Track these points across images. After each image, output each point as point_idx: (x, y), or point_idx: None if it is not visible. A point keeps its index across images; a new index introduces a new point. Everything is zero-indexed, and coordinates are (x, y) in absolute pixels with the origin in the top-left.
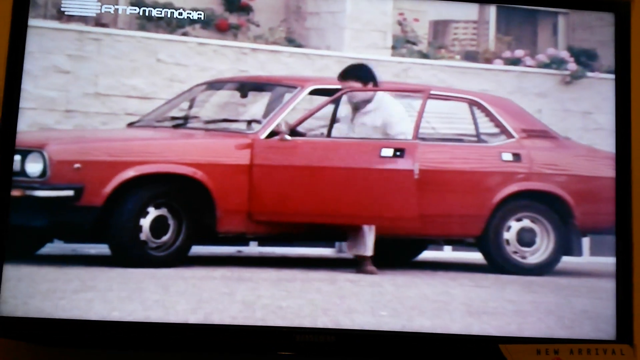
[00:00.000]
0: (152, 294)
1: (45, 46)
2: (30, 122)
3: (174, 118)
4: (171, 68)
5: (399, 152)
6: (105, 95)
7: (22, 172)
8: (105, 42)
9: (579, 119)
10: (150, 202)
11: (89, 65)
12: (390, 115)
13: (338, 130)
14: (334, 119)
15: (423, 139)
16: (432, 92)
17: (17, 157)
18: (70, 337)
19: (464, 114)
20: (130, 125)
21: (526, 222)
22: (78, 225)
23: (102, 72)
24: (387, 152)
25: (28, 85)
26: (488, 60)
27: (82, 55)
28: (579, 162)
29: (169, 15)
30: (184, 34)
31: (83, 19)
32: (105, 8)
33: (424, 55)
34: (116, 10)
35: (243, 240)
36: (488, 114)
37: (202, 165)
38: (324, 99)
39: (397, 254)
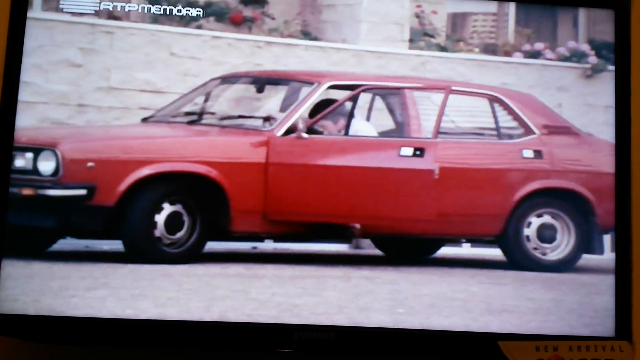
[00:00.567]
0: (165, 291)
1: (56, 39)
2: (41, 117)
3: (188, 113)
4: (185, 62)
5: (419, 151)
6: (118, 89)
7: (35, 171)
8: (118, 36)
9: (600, 114)
10: (164, 198)
11: (101, 59)
12: None
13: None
14: (351, 117)
15: (444, 133)
16: (453, 88)
17: (30, 155)
18: (80, 335)
19: (484, 109)
20: (144, 120)
21: (547, 218)
22: (89, 226)
23: (114, 66)
24: (407, 151)
25: (39, 80)
26: (507, 53)
27: (94, 49)
28: (601, 159)
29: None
30: (198, 27)
31: (95, 12)
32: (104, 5)
33: (442, 49)
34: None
35: (258, 239)
36: (509, 109)
37: (217, 164)
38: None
39: (414, 250)
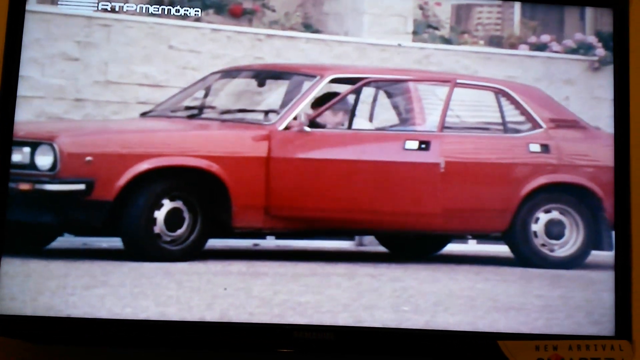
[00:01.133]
0: (165, 289)
1: (52, 33)
2: (38, 112)
3: (188, 108)
4: (184, 55)
5: (424, 144)
6: (116, 83)
7: (32, 165)
8: (115, 29)
9: (608, 107)
10: (164, 194)
11: (99, 53)
12: None
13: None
14: (354, 110)
15: (448, 128)
16: (458, 80)
17: (27, 149)
18: (79, 335)
19: (489, 103)
20: (143, 115)
21: (555, 214)
22: (88, 221)
23: (112, 60)
24: (412, 144)
25: (35, 74)
26: (513, 46)
27: (91, 42)
28: (610, 153)
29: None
30: (197, 20)
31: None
32: (102, 5)
33: (447, 41)
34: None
35: (260, 236)
36: (515, 103)
37: (218, 158)
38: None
39: (419, 248)
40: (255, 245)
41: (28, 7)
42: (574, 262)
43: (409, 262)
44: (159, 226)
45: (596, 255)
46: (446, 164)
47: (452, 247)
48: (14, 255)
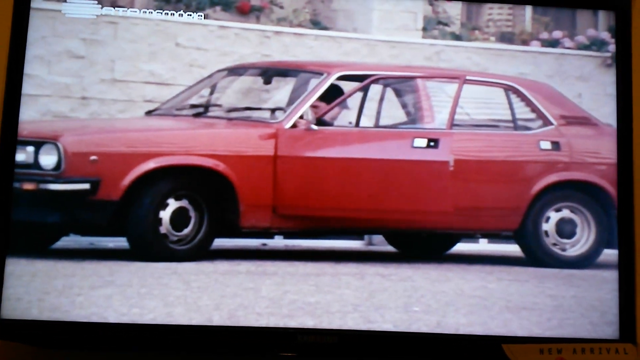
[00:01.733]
0: (173, 289)
1: (58, 30)
2: (44, 110)
3: (194, 106)
4: (191, 52)
5: (433, 142)
6: (122, 81)
7: (36, 165)
8: (122, 26)
9: None
10: (170, 194)
11: (105, 50)
12: None
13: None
14: (362, 108)
15: (457, 125)
16: (467, 77)
17: (31, 149)
18: (85, 340)
19: (499, 99)
20: (149, 113)
21: (566, 213)
22: (94, 221)
23: (118, 57)
24: (420, 142)
25: (41, 71)
26: (525, 42)
27: (97, 40)
28: None
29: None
30: (204, 17)
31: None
32: (106, 10)
33: (457, 37)
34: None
35: (268, 235)
36: (525, 100)
37: (224, 157)
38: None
39: (430, 246)
40: (264, 244)
41: (33, 4)
42: (586, 261)
43: (419, 261)
44: (165, 226)
45: (609, 254)
46: (455, 161)
47: (463, 247)
48: (19, 256)
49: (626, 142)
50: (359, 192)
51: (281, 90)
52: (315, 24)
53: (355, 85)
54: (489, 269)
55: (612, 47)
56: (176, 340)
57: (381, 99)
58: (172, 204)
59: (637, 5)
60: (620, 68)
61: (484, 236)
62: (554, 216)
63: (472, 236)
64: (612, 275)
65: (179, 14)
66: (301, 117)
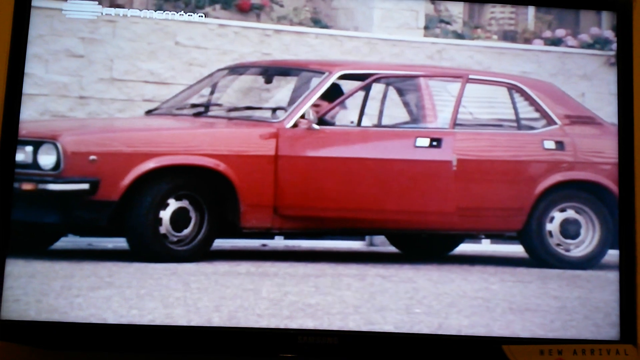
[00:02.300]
0: (172, 290)
1: (56, 28)
2: (42, 110)
3: (194, 105)
4: (190, 51)
5: (436, 142)
6: (121, 80)
7: (35, 165)
8: (121, 24)
9: None
10: (170, 194)
11: (104, 49)
12: None
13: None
14: (364, 107)
15: (460, 125)
16: (470, 76)
17: (29, 149)
18: (84, 340)
19: (503, 99)
20: (149, 112)
21: (570, 213)
22: (93, 222)
23: (117, 56)
24: (423, 142)
25: (39, 70)
26: (527, 41)
27: (95, 38)
28: None
29: None
30: (204, 15)
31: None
32: (106, 11)
33: (459, 36)
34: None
35: (268, 236)
36: (529, 99)
37: (225, 157)
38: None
39: (432, 247)
40: (264, 245)
41: (34, 3)
42: (590, 262)
43: (420, 262)
44: (165, 226)
45: (613, 254)
46: (458, 161)
47: (465, 248)
48: (17, 256)
49: (627, 141)
50: (360, 193)
51: (282, 89)
52: (316, 22)
53: (357, 84)
54: (491, 269)
55: (615, 46)
56: (176, 341)
57: (383, 98)
58: (173, 204)
59: (638, 6)
60: (621, 69)
61: (487, 237)
62: (558, 216)
63: (475, 237)
64: (617, 277)
65: (180, 14)
66: (302, 116)
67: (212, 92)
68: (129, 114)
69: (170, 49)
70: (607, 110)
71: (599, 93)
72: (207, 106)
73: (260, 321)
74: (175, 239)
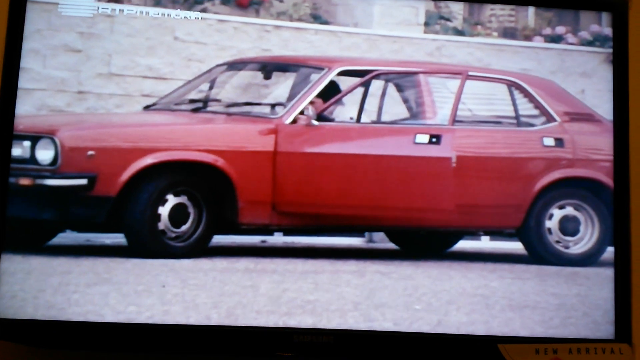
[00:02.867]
0: (170, 287)
1: (54, 23)
2: (39, 105)
3: (192, 101)
4: (189, 47)
5: (435, 138)
6: (119, 75)
7: (32, 160)
8: (119, 19)
9: None
10: (168, 189)
11: (102, 44)
12: None
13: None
14: (363, 103)
15: (460, 121)
16: (470, 73)
17: (27, 143)
18: (79, 339)
19: (502, 95)
20: (147, 108)
21: (569, 210)
22: (91, 217)
23: (115, 51)
24: (422, 138)
25: (36, 65)
26: (527, 38)
27: (94, 33)
28: None
29: None
30: (203, 11)
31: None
32: (103, 8)
33: (459, 33)
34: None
35: (267, 232)
36: (528, 96)
37: (223, 153)
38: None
39: (430, 244)
40: (263, 241)
41: None
42: (589, 259)
43: (420, 259)
44: (163, 222)
45: (612, 252)
46: (458, 158)
47: (464, 244)
48: (14, 252)
49: (623, 139)
50: (359, 189)
51: (281, 85)
52: (316, 18)
53: (356, 80)
54: (490, 267)
55: None
56: (172, 341)
57: (383, 95)
58: (171, 200)
59: (634, 6)
60: (617, 68)
61: (486, 233)
62: (557, 213)
63: (474, 233)
64: None
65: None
66: (301, 112)
67: (210, 88)
68: (127, 110)
69: (168, 44)
70: (606, 107)
71: (598, 90)
72: (205, 102)
73: (258, 318)
74: (173, 235)
